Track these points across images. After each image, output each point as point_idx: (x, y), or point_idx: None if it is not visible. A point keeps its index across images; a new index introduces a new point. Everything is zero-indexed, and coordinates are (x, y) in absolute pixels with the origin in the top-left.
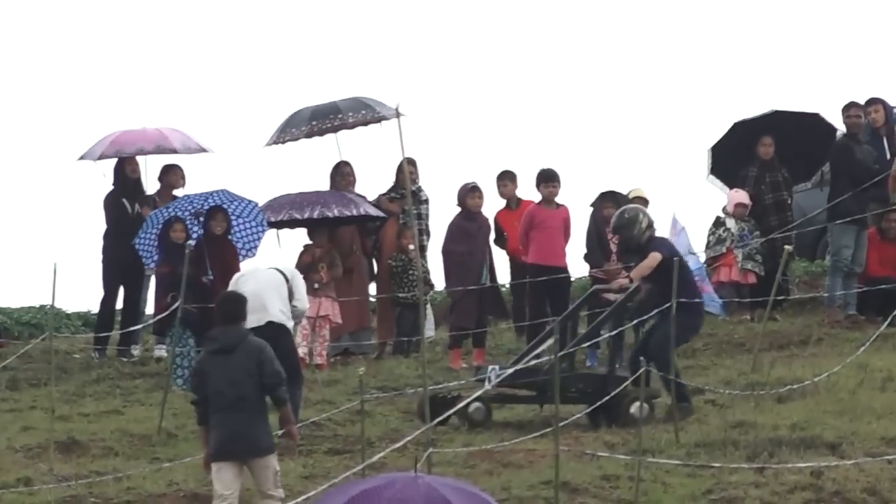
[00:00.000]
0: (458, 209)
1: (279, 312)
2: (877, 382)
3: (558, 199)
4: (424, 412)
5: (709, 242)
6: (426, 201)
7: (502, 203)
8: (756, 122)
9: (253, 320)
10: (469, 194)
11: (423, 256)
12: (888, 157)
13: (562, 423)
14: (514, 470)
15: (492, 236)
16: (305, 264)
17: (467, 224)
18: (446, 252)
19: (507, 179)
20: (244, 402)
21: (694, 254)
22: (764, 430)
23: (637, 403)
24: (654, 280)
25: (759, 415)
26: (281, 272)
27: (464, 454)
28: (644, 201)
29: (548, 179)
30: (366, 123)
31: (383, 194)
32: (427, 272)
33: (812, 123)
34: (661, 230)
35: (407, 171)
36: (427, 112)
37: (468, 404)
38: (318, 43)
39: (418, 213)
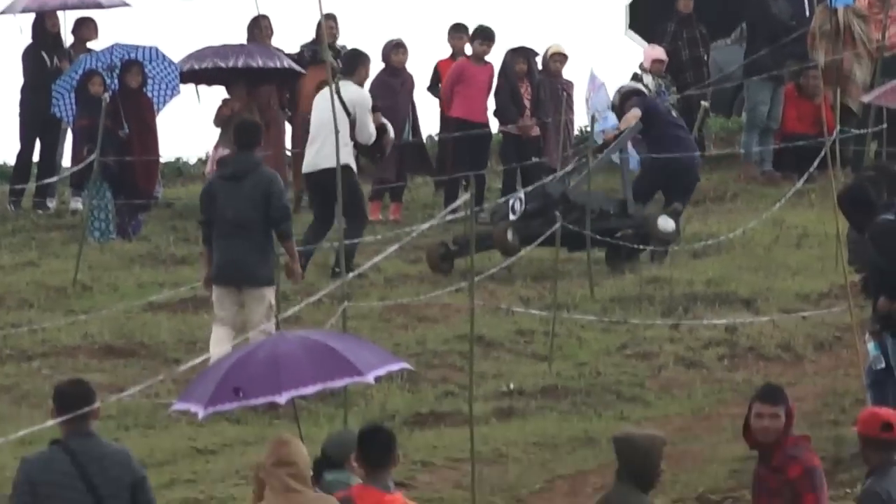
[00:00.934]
0: (383, 65)
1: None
2: (792, 239)
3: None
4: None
5: None
6: None
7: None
8: None
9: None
10: (393, 50)
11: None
12: (807, 13)
13: (477, 278)
14: (429, 324)
15: (425, 85)
16: (224, 118)
17: (390, 80)
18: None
19: (461, 32)
20: (246, 230)
21: (613, 110)
22: (679, 286)
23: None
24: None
25: (674, 270)
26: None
27: (379, 308)
28: (563, 57)
29: (484, 37)
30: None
31: (304, 46)
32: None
33: None
34: (579, 86)
35: (325, 26)
36: None
37: (504, 231)
38: None
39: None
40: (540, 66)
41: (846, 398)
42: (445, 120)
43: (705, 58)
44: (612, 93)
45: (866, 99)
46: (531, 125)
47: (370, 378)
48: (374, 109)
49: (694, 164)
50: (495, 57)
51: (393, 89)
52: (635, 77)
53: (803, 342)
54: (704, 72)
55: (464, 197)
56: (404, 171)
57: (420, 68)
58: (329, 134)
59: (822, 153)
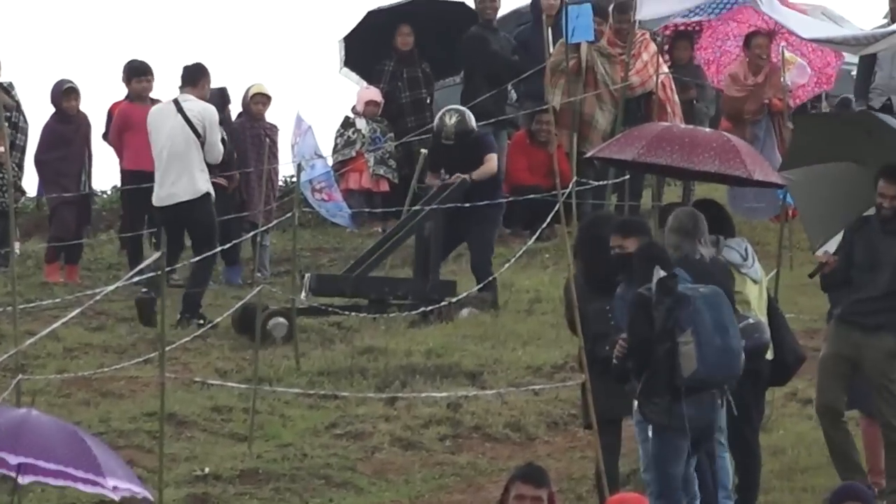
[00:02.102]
0: (53, 110)
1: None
2: (522, 304)
3: (153, 95)
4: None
5: (336, 145)
6: (17, 101)
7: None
8: (392, 10)
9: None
10: (64, 95)
11: (17, 158)
12: (550, 49)
13: (169, 347)
14: (114, 400)
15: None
16: None
17: (63, 127)
18: (39, 161)
19: (147, 74)
20: None
21: (321, 156)
22: (395, 357)
23: (468, 309)
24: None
25: (390, 339)
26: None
27: (57, 381)
28: (266, 98)
29: (139, 73)
30: None
31: None
32: (18, 176)
33: (456, 11)
34: (285, 131)
35: None
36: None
37: (267, 319)
38: None
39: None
40: (240, 108)
41: (583, 484)
42: (122, 172)
43: (428, 100)
44: (319, 136)
45: (591, 154)
46: (227, 178)
47: (109, 484)
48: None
49: None
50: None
51: (66, 138)
52: (347, 121)
53: (535, 420)
54: (427, 116)
55: (154, 256)
56: (82, 227)
57: (96, 112)
58: (179, 160)
59: (556, 208)
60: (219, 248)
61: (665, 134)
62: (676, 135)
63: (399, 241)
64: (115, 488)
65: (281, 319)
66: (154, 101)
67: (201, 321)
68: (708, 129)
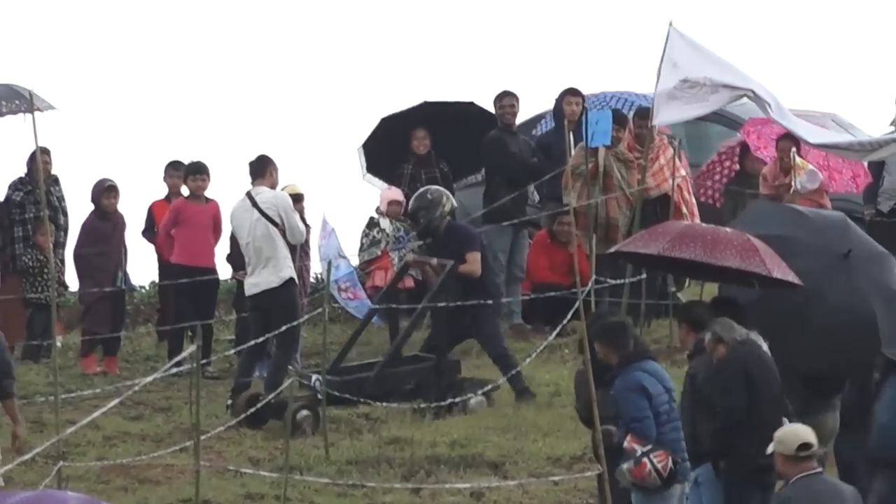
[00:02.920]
0: (92, 208)
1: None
2: (543, 397)
3: (207, 194)
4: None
5: (362, 245)
6: (59, 196)
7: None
8: (406, 116)
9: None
10: (104, 193)
11: (60, 255)
12: (571, 153)
13: (203, 437)
14: (151, 486)
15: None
16: None
17: (101, 224)
18: (78, 255)
19: (176, 169)
20: None
21: (344, 257)
22: (421, 447)
23: (478, 398)
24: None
25: (416, 430)
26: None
27: (97, 468)
28: (299, 197)
29: (196, 172)
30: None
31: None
32: (61, 272)
33: (468, 112)
34: (314, 232)
35: (41, 160)
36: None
37: (296, 412)
38: None
39: (55, 207)
40: None
41: None
42: (164, 266)
43: None
44: (343, 237)
45: (616, 249)
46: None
47: None
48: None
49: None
50: (227, 197)
51: (104, 234)
52: (371, 222)
53: None
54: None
55: (190, 349)
56: (118, 321)
57: (133, 210)
58: (262, 251)
59: (576, 305)
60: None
61: (688, 231)
62: (699, 232)
63: (406, 335)
64: None
65: (306, 412)
66: (209, 200)
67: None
68: (729, 229)
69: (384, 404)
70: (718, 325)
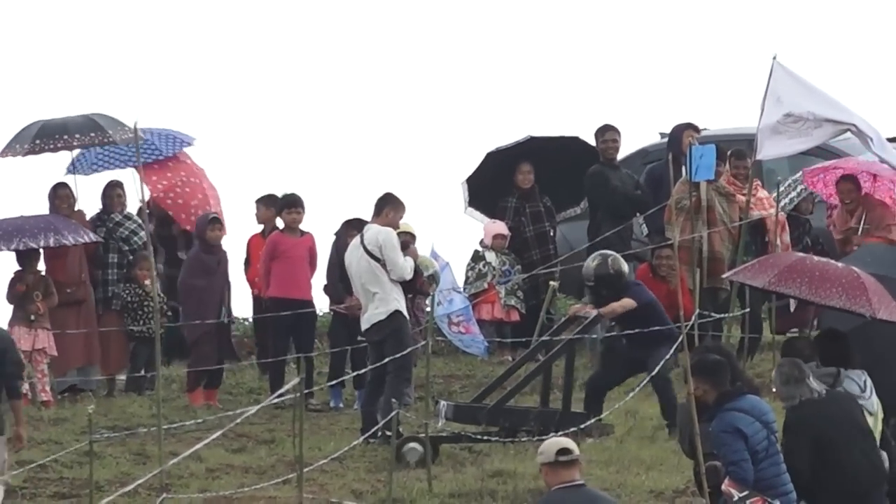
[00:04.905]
0: (197, 241)
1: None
2: (646, 431)
3: (302, 227)
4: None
5: (468, 278)
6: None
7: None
8: (511, 150)
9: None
10: (209, 226)
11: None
12: (672, 185)
13: (306, 469)
14: None
15: (239, 265)
16: (19, 294)
17: (206, 257)
18: (184, 285)
19: (267, 203)
20: None
21: (460, 291)
22: (524, 480)
23: (592, 439)
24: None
25: (518, 463)
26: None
27: (200, 500)
28: (412, 237)
29: (290, 205)
30: (93, 145)
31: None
32: (164, 302)
33: (571, 146)
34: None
35: (115, 193)
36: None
37: (402, 444)
38: (54, 52)
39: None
40: None
41: None
42: (258, 299)
43: (552, 233)
44: (456, 272)
45: (728, 275)
46: (359, 304)
47: None
48: (405, 247)
49: None
50: (326, 230)
51: (209, 268)
52: (476, 255)
53: None
54: (551, 248)
55: (293, 381)
56: (221, 354)
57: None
58: (369, 287)
59: (680, 339)
60: (353, 373)
61: (798, 265)
62: (808, 267)
63: (534, 373)
64: None
65: (414, 445)
66: (304, 233)
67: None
68: (840, 265)
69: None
70: (781, 377)
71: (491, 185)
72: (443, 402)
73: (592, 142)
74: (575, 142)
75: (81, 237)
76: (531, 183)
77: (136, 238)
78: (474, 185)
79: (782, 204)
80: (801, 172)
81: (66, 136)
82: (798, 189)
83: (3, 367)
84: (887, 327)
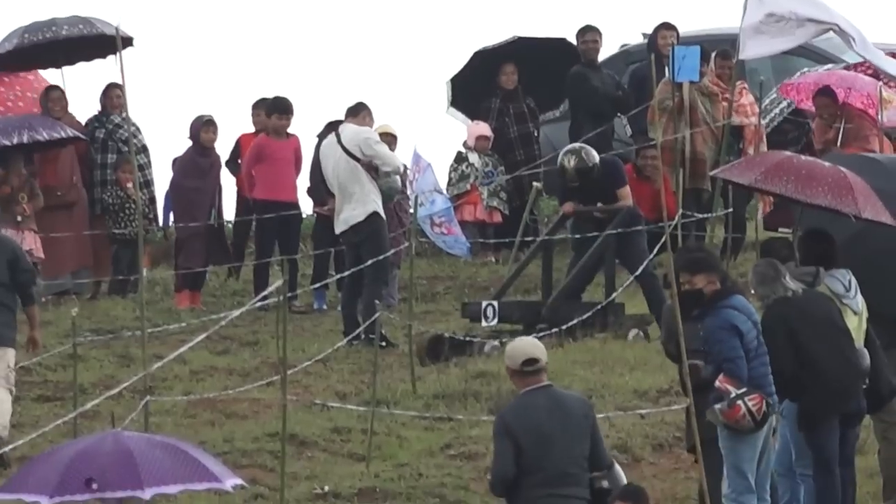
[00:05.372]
0: (190, 143)
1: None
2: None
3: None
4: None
5: (451, 179)
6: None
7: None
8: (498, 51)
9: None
10: (203, 128)
11: (146, 191)
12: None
13: (290, 371)
14: (237, 420)
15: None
16: (4, 196)
17: (200, 159)
18: (176, 187)
19: (262, 108)
20: None
21: (441, 192)
22: (507, 381)
23: (635, 331)
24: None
25: (502, 364)
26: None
27: (183, 403)
28: (392, 138)
29: (281, 110)
30: (81, 35)
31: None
32: (148, 208)
33: (558, 48)
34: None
35: (114, 94)
36: (158, 40)
37: (482, 345)
38: None
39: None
40: None
41: (687, 503)
42: (244, 201)
43: (535, 133)
44: (438, 173)
45: (715, 173)
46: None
47: (228, 485)
48: None
49: None
50: (309, 131)
51: (202, 169)
52: (460, 156)
53: (641, 442)
54: (535, 149)
55: (276, 283)
56: (210, 257)
57: (223, 145)
58: (346, 187)
59: (663, 240)
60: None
61: (785, 163)
62: (795, 165)
63: (586, 267)
64: (234, 487)
65: (495, 343)
66: (290, 136)
67: (382, 343)
68: (828, 164)
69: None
70: (756, 277)
71: (475, 85)
72: (487, 303)
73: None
74: (562, 43)
75: (58, 132)
76: (514, 84)
77: (135, 140)
78: (458, 85)
79: (767, 120)
80: (798, 73)
81: (53, 27)
82: (783, 104)
83: (15, 275)
84: (882, 235)
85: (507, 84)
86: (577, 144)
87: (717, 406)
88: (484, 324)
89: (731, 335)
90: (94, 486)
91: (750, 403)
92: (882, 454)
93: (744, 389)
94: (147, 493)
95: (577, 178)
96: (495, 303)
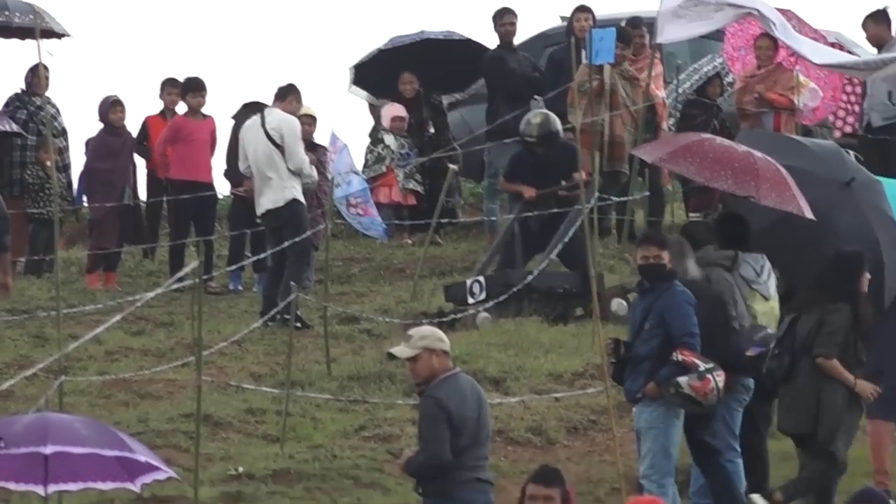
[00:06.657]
0: (101, 125)
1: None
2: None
3: (203, 110)
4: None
5: (367, 161)
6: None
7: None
8: (402, 51)
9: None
10: (111, 108)
11: (64, 172)
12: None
13: (205, 352)
14: (152, 401)
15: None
16: None
17: (111, 140)
18: (89, 170)
19: (171, 87)
20: None
21: (357, 173)
22: None
23: (618, 300)
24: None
25: None
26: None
27: (98, 383)
28: (312, 119)
29: (195, 89)
30: (32, 27)
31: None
32: (65, 191)
33: (463, 49)
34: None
35: (43, 75)
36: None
37: (475, 314)
38: None
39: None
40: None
41: (601, 486)
42: (157, 182)
43: (446, 127)
44: (355, 154)
45: (633, 151)
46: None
47: (140, 457)
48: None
49: None
50: (224, 112)
51: (113, 149)
52: (376, 137)
53: (556, 425)
54: (447, 134)
55: (192, 264)
56: (124, 238)
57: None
58: (265, 172)
59: (579, 221)
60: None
61: (694, 146)
62: (705, 148)
63: (559, 237)
64: (147, 463)
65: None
66: (206, 116)
67: (298, 324)
68: (742, 149)
69: (386, 320)
70: (671, 250)
71: (379, 70)
72: (471, 280)
73: (490, 30)
74: (467, 44)
75: None
76: (413, 93)
77: (55, 123)
78: (362, 69)
79: (683, 88)
80: (708, 56)
81: (6, 12)
82: (702, 72)
83: None
84: (792, 228)
85: (406, 93)
86: (545, 110)
87: (684, 378)
88: (471, 301)
89: (692, 311)
90: (2, 444)
91: (719, 380)
92: None
93: (711, 364)
94: (48, 449)
95: (537, 136)
96: (481, 278)
